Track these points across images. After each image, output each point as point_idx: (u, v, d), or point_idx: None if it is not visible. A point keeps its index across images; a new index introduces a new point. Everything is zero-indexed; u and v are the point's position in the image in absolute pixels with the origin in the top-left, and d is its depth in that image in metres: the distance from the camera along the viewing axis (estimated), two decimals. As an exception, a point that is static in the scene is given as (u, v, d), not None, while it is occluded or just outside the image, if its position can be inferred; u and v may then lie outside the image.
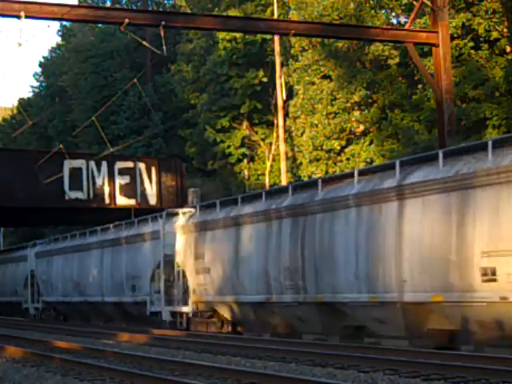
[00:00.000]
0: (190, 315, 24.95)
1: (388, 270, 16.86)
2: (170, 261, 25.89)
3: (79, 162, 36.38)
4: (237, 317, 23.10)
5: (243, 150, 45.76)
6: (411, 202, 16.43)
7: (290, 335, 20.71)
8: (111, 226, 31.82)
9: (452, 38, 28.61)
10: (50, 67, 66.52)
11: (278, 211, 20.41)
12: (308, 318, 19.60)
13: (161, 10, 56.01)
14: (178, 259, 25.33)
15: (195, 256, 24.34)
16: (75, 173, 35.91)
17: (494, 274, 14.59)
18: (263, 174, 44.86)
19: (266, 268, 20.78)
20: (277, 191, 21.89)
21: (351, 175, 18.61)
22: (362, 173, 18.57)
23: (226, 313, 23.57)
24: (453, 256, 15.36)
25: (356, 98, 35.44)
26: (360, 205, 17.65)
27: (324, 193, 19.06)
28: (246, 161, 46.33)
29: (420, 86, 33.09)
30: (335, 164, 36.16)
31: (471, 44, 31.35)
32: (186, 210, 26.60)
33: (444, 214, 15.71)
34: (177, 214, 26.35)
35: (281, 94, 38.85)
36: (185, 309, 25.15)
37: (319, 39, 35.37)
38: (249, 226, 21.78)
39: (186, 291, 25.07)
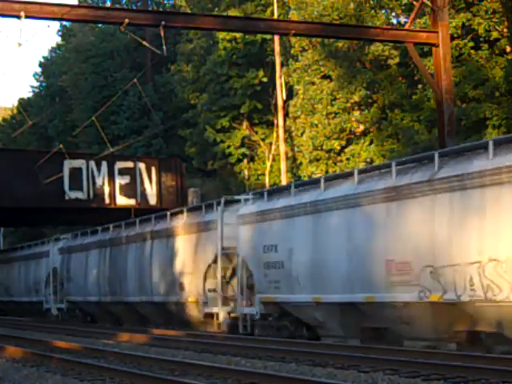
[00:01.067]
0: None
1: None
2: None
3: (79, 162, 36.39)
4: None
5: (243, 150, 45.77)
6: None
7: None
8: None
9: (452, 38, 28.61)
10: (50, 67, 66.53)
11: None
12: None
13: (161, 9, 56.02)
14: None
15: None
16: (75, 173, 35.93)
17: None
18: (263, 174, 44.88)
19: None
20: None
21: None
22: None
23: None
24: None
25: (356, 97, 35.45)
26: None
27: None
28: (246, 161, 46.34)
29: (420, 86, 33.10)
30: (335, 164, 36.16)
31: (471, 44, 31.35)
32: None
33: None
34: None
35: (281, 94, 38.87)
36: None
37: (319, 39, 35.37)
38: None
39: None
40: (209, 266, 23.74)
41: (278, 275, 20.07)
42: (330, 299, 18.36)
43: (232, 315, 22.70)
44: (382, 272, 16.87)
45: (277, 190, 21.55)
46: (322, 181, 19.31)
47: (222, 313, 22.94)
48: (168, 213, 27.18)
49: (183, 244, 25.62)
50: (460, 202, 15.43)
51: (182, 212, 26.32)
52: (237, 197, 24.00)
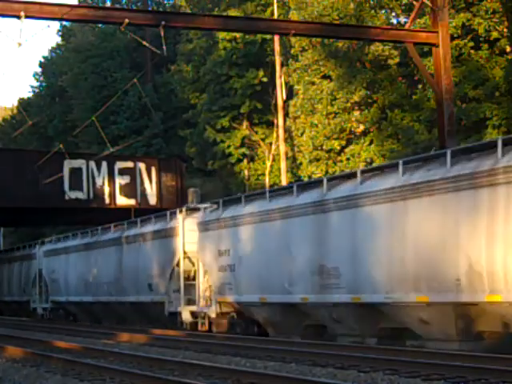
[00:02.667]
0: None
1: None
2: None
3: (79, 162, 36.44)
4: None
5: (243, 150, 45.78)
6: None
7: None
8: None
9: (452, 38, 28.60)
10: (50, 67, 66.55)
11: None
12: None
13: (161, 9, 56.03)
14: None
15: None
16: (75, 173, 35.98)
17: None
18: (263, 174, 44.87)
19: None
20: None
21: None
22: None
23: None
24: None
25: (356, 97, 35.44)
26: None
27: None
28: (245, 161, 46.34)
29: (420, 86, 33.10)
30: (335, 164, 36.16)
31: (471, 44, 31.34)
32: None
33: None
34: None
35: (281, 94, 38.87)
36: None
37: (319, 39, 35.36)
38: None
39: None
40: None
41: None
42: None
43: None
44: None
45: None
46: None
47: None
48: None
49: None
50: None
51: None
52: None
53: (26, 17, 21.00)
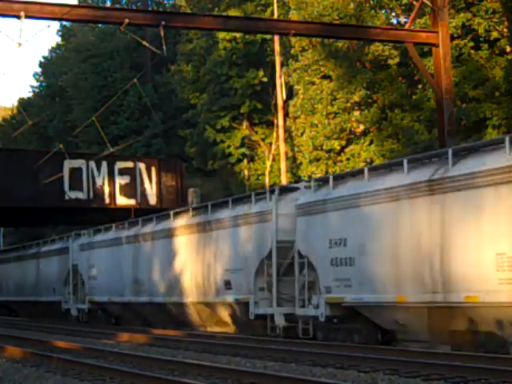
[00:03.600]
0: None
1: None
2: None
3: (79, 162, 36.42)
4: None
5: (243, 150, 45.77)
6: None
7: None
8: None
9: (452, 38, 28.59)
10: (50, 67, 66.56)
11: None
12: None
13: (161, 9, 56.02)
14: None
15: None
16: (75, 173, 35.96)
17: None
18: (263, 174, 44.88)
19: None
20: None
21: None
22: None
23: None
24: None
25: (356, 97, 35.44)
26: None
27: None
28: (245, 161, 46.34)
29: (420, 86, 33.09)
30: (335, 164, 36.16)
31: (471, 44, 31.34)
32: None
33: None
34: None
35: (281, 94, 38.86)
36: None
37: (319, 39, 35.36)
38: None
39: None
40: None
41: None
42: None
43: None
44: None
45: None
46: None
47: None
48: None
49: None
50: None
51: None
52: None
53: (26, 17, 21.00)
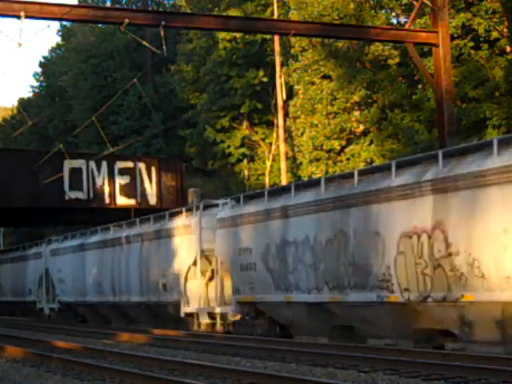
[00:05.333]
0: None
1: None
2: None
3: (79, 162, 36.43)
4: None
5: (243, 149, 45.77)
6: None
7: None
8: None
9: (452, 38, 28.59)
10: (50, 67, 66.56)
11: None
12: None
13: (161, 9, 56.02)
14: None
15: None
16: (75, 173, 35.96)
17: None
18: (263, 174, 44.88)
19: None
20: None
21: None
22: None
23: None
24: None
25: (356, 97, 35.44)
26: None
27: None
28: (245, 161, 46.34)
29: (420, 86, 33.09)
30: (335, 164, 36.17)
31: (471, 44, 31.34)
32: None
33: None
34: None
35: (281, 94, 38.84)
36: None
37: (319, 39, 35.36)
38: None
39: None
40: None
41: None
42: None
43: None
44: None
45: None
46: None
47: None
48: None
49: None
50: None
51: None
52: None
53: (26, 17, 20.99)
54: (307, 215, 19.37)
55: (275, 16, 39.17)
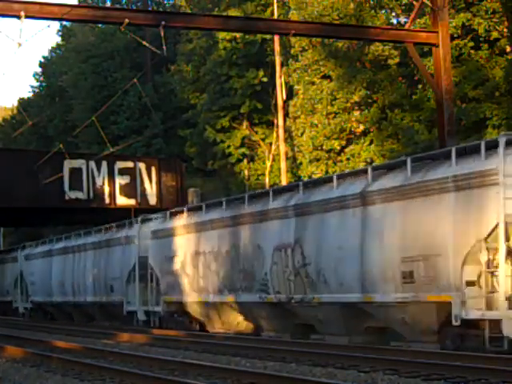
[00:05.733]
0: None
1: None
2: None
3: (79, 162, 36.43)
4: None
5: (243, 149, 45.76)
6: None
7: None
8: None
9: (452, 38, 28.59)
10: (50, 67, 66.56)
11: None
12: None
13: (161, 9, 56.01)
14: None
15: None
16: (75, 173, 35.96)
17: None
18: (263, 174, 44.88)
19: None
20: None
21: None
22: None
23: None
24: None
25: (356, 97, 35.44)
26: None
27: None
28: (245, 161, 46.33)
29: (420, 86, 33.09)
30: (335, 164, 36.18)
31: (471, 44, 31.34)
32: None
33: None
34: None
35: (281, 94, 38.83)
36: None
37: (319, 39, 35.36)
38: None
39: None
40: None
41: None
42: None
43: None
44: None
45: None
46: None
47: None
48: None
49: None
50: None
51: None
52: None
53: (26, 17, 20.99)
54: (213, 230, 23.30)
55: (275, 16, 39.16)
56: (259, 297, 21.06)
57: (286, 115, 39.56)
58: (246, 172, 46.31)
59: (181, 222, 25.30)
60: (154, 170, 37.78)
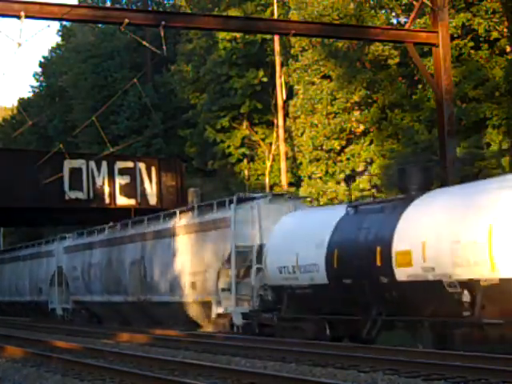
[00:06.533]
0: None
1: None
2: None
3: (79, 162, 36.42)
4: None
5: (243, 149, 45.73)
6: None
7: None
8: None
9: (452, 38, 28.60)
10: (50, 67, 66.53)
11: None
12: None
13: (161, 9, 56.01)
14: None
15: None
16: (75, 173, 35.95)
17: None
18: (263, 174, 44.87)
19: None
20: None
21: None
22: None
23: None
24: None
25: (356, 97, 35.43)
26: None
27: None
28: (245, 161, 46.30)
29: (420, 86, 33.09)
30: (335, 164, 36.18)
31: (471, 44, 31.35)
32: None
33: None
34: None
35: (281, 94, 38.83)
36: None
37: (319, 39, 35.36)
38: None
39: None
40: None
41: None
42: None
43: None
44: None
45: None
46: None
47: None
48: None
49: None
50: None
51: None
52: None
53: (26, 17, 21.00)
54: (98, 248, 32.14)
55: (275, 16, 39.16)
56: (123, 298, 29.43)
57: (285, 115, 39.56)
58: (246, 172, 46.29)
59: (82, 240, 33.93)
60: (154, 170, 37.77)
